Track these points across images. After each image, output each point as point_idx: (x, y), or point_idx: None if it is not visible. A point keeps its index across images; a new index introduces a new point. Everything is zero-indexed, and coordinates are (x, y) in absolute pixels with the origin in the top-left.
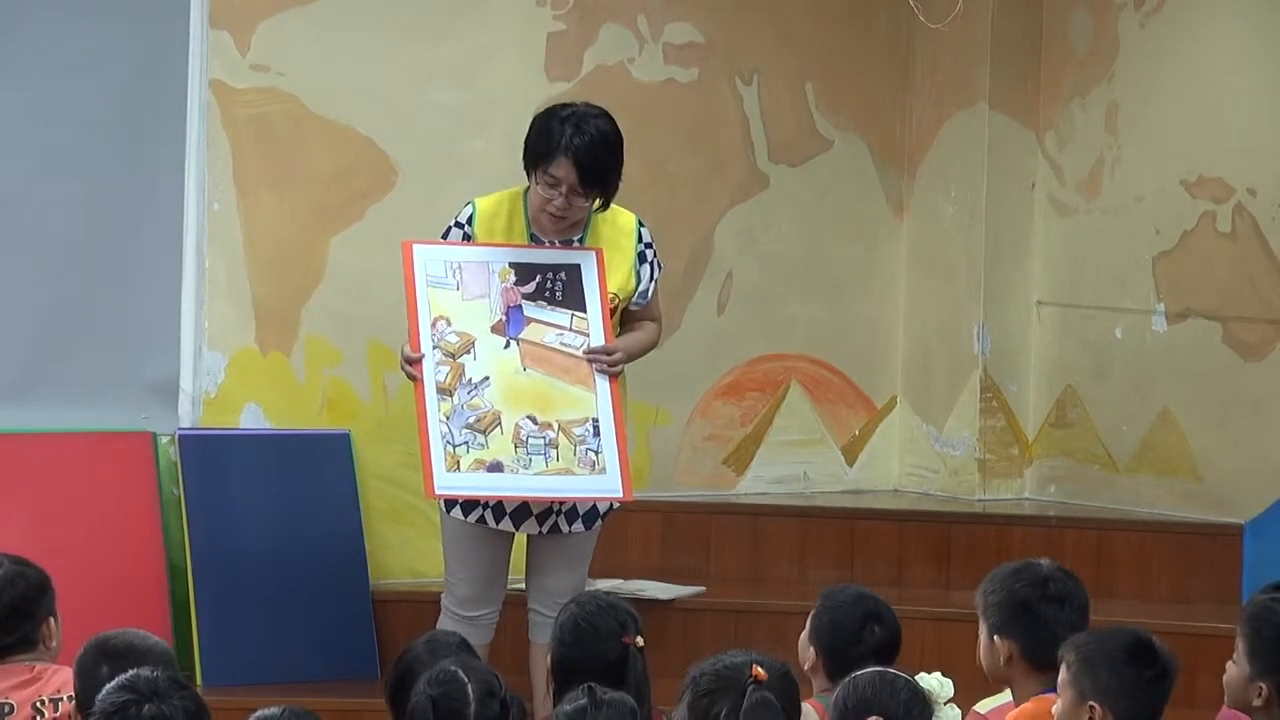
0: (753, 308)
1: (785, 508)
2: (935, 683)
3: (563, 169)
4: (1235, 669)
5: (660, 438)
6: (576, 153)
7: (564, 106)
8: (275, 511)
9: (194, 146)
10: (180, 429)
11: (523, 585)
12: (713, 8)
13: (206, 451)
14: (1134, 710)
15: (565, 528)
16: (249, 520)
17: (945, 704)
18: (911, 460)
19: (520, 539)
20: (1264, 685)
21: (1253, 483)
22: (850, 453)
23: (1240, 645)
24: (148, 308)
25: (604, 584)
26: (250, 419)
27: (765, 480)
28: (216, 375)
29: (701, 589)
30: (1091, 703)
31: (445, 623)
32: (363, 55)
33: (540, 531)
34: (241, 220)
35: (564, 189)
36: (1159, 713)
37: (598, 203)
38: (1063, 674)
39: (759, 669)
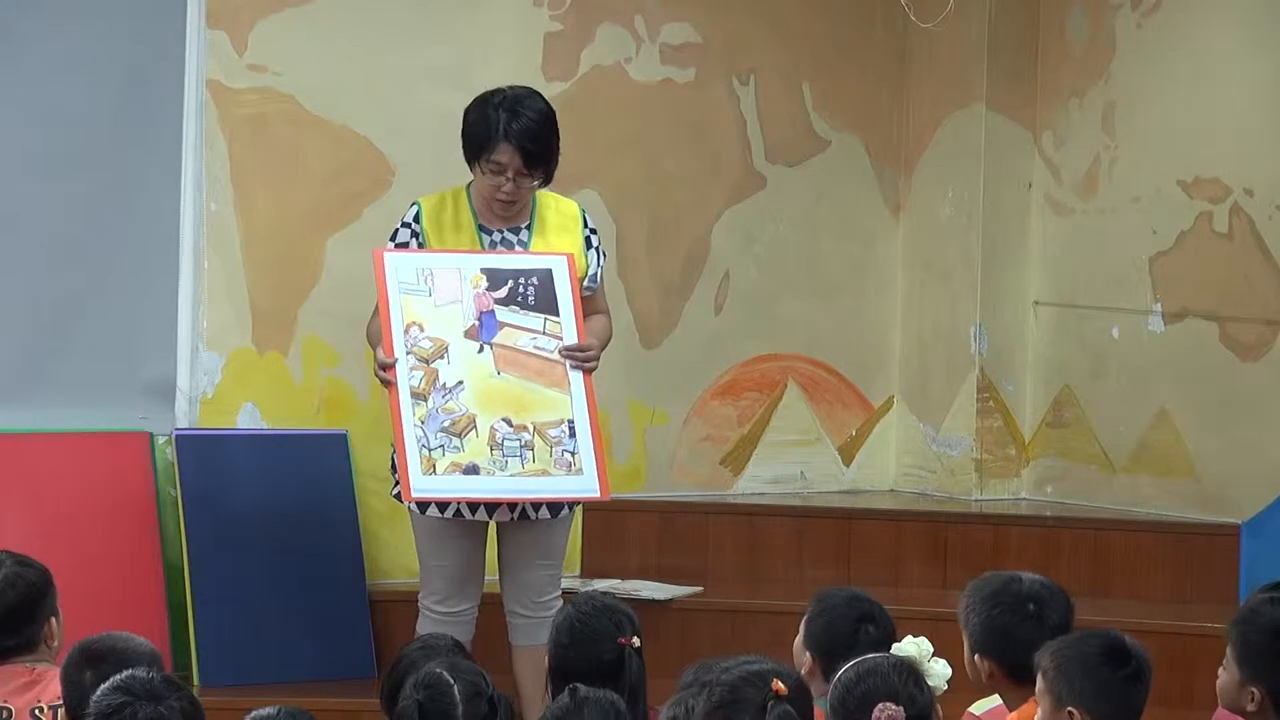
0: (750, 308)
1: (782, 508)
2: (912, 646)
3: (506, 154)
4: (1226, 674)
5: (657, 437)
6: (518, 136)
7: (495, 93)
8: (272, 511)
9: (191, 146)
10: (177, 429)
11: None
12: (710, 8)
13: (203, 452)
14: (1112, 712)
15: (533, 514)
16: (246, 520)
17: (930, 659)
18: (908, 460)
19: (492, 540)
20: (1255, 691)
21: (1250, 482)
22: (847, 453)
23: (1229, 651)
24: (145, 308)
25: (601, 584)
26: (247, 419)
27: (762, 480)
28: (214, 375)
29: (698, 589)
30: (1070, 708)
31: (425, 624)
32: (360, 55)
33: (511, 518)
34: (238, 220)
35: (510, 173)
36: (1138, 713)
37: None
38: (1040, 681)
39: (779, 683)
